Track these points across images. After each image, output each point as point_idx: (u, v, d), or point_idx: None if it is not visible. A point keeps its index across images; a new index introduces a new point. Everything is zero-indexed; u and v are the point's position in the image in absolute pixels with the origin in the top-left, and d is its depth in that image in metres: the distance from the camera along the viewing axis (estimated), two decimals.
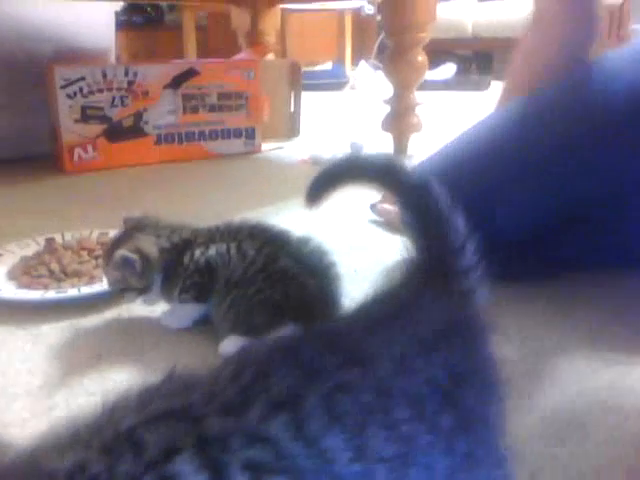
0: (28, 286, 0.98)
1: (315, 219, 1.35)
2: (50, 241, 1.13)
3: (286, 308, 0.74)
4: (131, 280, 0.81)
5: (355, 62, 4.71)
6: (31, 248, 1.11)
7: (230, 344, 0.77)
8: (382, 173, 0.52)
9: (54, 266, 1.03)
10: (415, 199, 0.51)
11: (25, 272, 1.03)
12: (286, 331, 0.73)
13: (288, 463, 0.34)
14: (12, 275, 1.02)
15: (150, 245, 0.81)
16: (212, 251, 0.79)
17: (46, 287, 0.98)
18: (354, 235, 1.25)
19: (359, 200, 1.51)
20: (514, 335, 0.82)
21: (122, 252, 0.79)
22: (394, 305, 0.48)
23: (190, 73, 1.97)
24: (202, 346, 0.81)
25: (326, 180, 0.54)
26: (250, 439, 0.34)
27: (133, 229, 0.84)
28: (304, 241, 0.78)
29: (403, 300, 0.48)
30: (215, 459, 0.33)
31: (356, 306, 0.49)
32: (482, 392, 0.43)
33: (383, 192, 0.71)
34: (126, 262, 0.79)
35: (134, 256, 0.79)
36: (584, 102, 0.88)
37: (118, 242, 0.83)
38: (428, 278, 0.50)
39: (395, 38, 1.91)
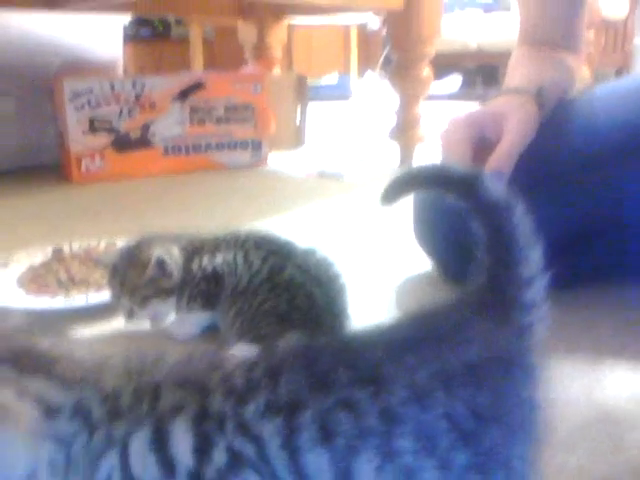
0: (36, 294, 0.99)
1: (321, 231, 1.36)
2: (58, 251, 1.14)
3: (292, 318, 0.74)
4: (162, 282, 0.80)
5: (361, 75, 4.74)
6: (39, 257, 1.11)
7: (238, 352, 0.78)
8: (464, 185, 0.48)
9: (62, 275, 1.04)
10: (492, 220, 0.47)
11: (33, 280, 1.03)
12: (292, 341, 0.73)
13: (268, 468, 0.36)
14: (20, 283, 1.03)
15: (173, 247, 0.82)
16: (219, 259, 0.80)
17: (54, 295, 0.99)
18: (361, 246, 1.26)
19: (367, 211, 1.52)
20: None
21: (158, 253, 0.79)
22: (432, 328, 0.44)
23: (197, 86, 1.99)
24: (207, 349, 0.81)
25: (406, 182, 0.52)
26: (242, 430, 0.36)
27: (141, 242, 0.84)
28: (310, 252, 0.79)
29: (443, 324, 0.44)
30: (206, 433, 0.36)
31: (391, 322, 0.46)
32: (512, 436, 0.41)
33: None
34: (161, 262, 0.79)
35: (167, 257, 0.80)
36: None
37: (135, 255, 0.83)
38: (484, 305, 0.46)
39: (401, 52, 1.92)
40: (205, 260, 0.80)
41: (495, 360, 0.42)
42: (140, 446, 0.36)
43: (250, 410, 0.36)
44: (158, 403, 0.37)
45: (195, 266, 0.80)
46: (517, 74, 0.97)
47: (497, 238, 0.47)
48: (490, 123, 0.85)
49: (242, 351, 0.77)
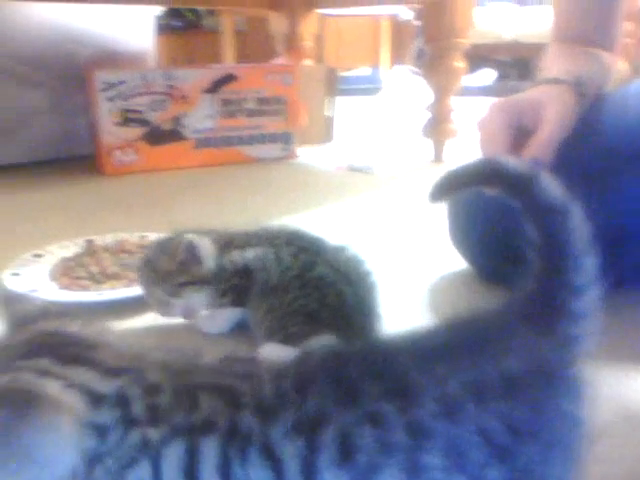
0: (68, 287, 1.00)
1: (351, 227, 1.35)
2: (90, 243, 1.14)
3: (322, 317, 0.73)
4: (196, 268, 0.80)
5: (392, 67, 4.70)
6: (71, 250, 1.12)
7: (267, 351, 0.77)
8: (520, 184, 0.45)
9: (93, 268, 1.05)
10: (547, 223, 0.45)
11: (65, 273, 1.04)
12: (323, 340, 0.73)
13: None
14: (53, 276, 1.04)
15: (203, 238, 0.82)
16: (250, 254, 0.79)
17: (85, 288, 0.99)
18: (393, 243, 1.24)
19: (398, 206, 1.50)
20: None
21: (190, 236, 0.79)
22: (469, 336, 0.42)
23: (228, 78, 1.98)
24: (240, 351, 0.81)
25: (457, 178, 0.48)
26: (265, 451, 0.35)
27: (172, 236, 0.84)
28: (340, 249, 0.78)
29: (483, 332, 0.42)
30: (231, 456, 0.35)
31: (426, 328, 0.44)
32: (550, 454, 0.39)
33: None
34: (192, 247, 0.79)
35: (199, 241, 0.79)
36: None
37: (166, 244, 0.83)
38: (530, 313, 0.43)
39: (434, 44, 1.90)
40: (236, 255, 0.79)
41: (536, 372, 0.39)
42: (173, 460, 0.35)
43: (278, 430, 0.35)
44: (194, 412, 0.36)
45: (226, 260, 0.80)
46: (553, 68, 0.94)
47: (551, 242, 0.44)
48: (528, 111, 0.83)
49: (271, 351, 0.77)
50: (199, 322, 0.86)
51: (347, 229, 1.32)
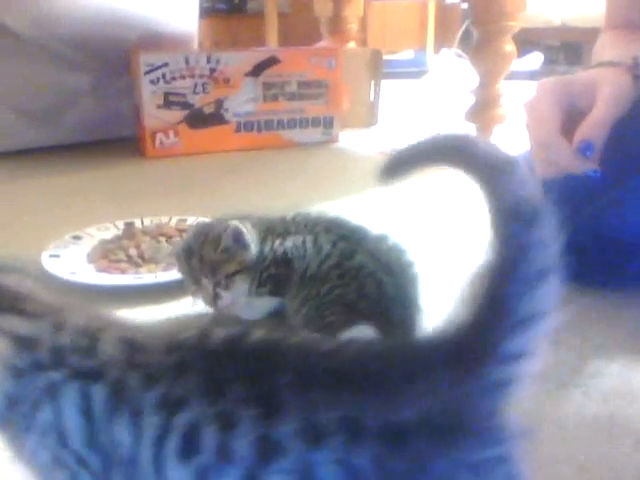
0: (106, 270, 0.99)
1: (393, 214, 1.32)
2: (129, 226, 1.14)
3: (360, 307, 0.71)
4: (242, 255, 0.77)
5: (437, 50, 4.62)
6: (110, 232, 1.12)
7: None
8: (486, 177, 0.37)
9: (132, 251, 1.05)
10: (505, 231, 0.36)
11: (103, 256, 1.04)
12: (359, 331, 0.71)
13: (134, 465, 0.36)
14: (91, 258, 1.04)
15: (245, 223, 0.80)
16: (289, 242, 0.77)
17: (123, 272, 0.99)
18: (433, 232, 1.21)
19: (442, 194, 1.47)
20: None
21: (235, 222, 0.77)
22: (374, 367, 0.36)
23: (271, 61, 1.96)
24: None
25: (413, 155, 0.42)
26: (134, 415, 0.35)
27: (212, 222, 0.83)
28: (382, 238, 0.75)
29: (391, 367, 0.35)
30: (113, 405, 0.36)
31: (333, 343, 0.38)
32: None
33: None
34: (237, 233, 0.77)
35: (243, 227, 0.77)
36: None
37: (209, 230, 0.81)
38: (458, 350, 0.36)
39: (483, 27, 1.84)
40: (277, 243, 0.77)
41: (432, 423, 0.34)
42: (71, 402, 0.36)
43: (149, 399, 0.35)
44: (92, 357, 0.37)
45: (267, 248, 0.78)
46: (607, 53, 0.90)
47: (502, 258, 0.36)
48: (581, 91, 0.79)
49: None
50: (237, 309, 0.85)
51: (387, 216, 1.29)
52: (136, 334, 0.39)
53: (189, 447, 0.34)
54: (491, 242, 0.37)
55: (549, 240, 0.35)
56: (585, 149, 0.74)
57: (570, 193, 0.84)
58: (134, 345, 0.37)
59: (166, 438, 0.34)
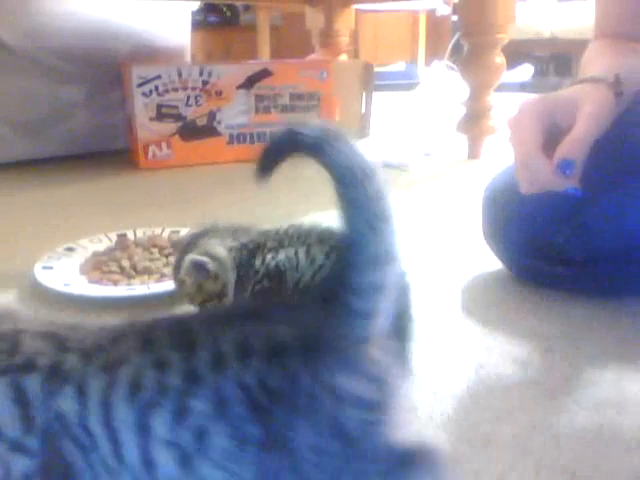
0: (99, 282, 0.99)
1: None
2: (122, 237, 1.14)
3: None
4: (207, 285, 0.79)
5: (428, 63, 4.65)
6: (103, 244, 1.12)
7: None
8: (315, 151, 0.43)
9: (125, 262, 1.05)
10: (343, 188, 0.42)
11: (96, 267, 1.04)
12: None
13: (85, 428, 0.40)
14: (84, 270, 1.04)
15: (215, 246, 0.80)
16: (282, 255, 0.77)
17: (116, 283, 0.99)
18: (427, 241, 1.22)
19: (433, 204, 1.48)
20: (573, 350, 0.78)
21: (191, 256, 0.78)
22: (250, 308, 0.45)
23: (263, 73, 1.97)
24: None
25: (273, 152, 0.46)
26: (78, 387, 0.41)
27: (198, 236, 0.83)
28: None
29: (260, 307, 0.45)
30: (52, 388, 0.41)
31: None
32: (306, 423, 0.40)
33: None
34: (197, 265, 0.78)
35: (204, 258, 0.78)
36: None
37: (186, 250, 0.82)
38: (324, 286, 0.45)
39: (472, 39, 1.86)
40: (268, 257, 0.78)
41: (301, 344, 0.40)
42: (3, 396, 0.40)
43: (91, 369, 0.40)
44: (16, 354, 0.42)
45: (258, 262, 0.78)
46: (594, 64, 0.91)
47: (347, 211, 0.43)
48: (562, 109, 0.80)
49: None
50: None
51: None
52: (57, 329, 0.44)
53: (134, 390, 0.39)
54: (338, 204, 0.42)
55: (382, 194, 0.42)
56: (565, 167, 0.76)
57: (557, 205, 0.85)
58: (58, 337, 0.43)
59: (112, 390, 0.40)
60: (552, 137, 0.79)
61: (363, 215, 0.42)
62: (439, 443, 0.62)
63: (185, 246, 0.83)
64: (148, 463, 0.39)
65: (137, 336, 0.42)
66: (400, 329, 0.70)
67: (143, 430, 0.39)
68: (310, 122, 0.42)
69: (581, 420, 0.66)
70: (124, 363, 0.40)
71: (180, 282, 0.81)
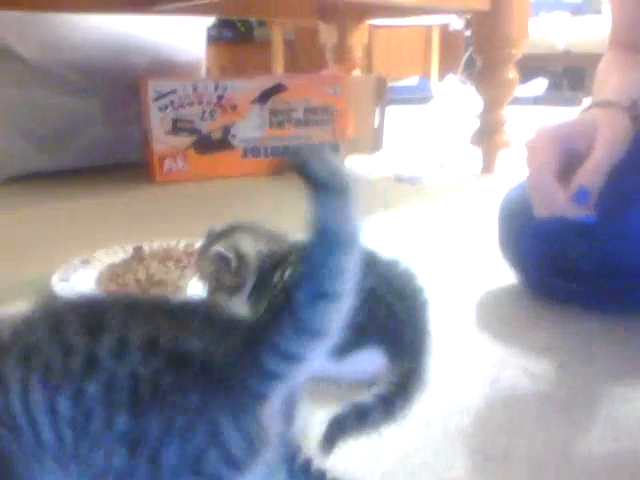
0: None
1: (399, 238, 1.33)
2: (138, 249, 1.15)
3: (370, 330, 0.71)
4: (224, 278, 0.79)
5: (441, 77, 4.66)
6: (119, 255, 1.13)
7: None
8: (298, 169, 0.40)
9: (141, 275, 1.05)
10: (312, 247, 0.39)
11: (112, 279, 1.05)
12: (370, 354, 0.71)
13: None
14: (100, 282, 1.05)
15: (247, 245, 0.81)
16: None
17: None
18: (440, 256, 1.22)
19: (447, 218, 1.48)
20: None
21: (217, 249, 0.79)
22: (170, 307, 0.45)
23: (277, 88, 1.99)
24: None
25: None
26: (2, 380, 0.42)
27: (235, 228, 0.84)
28: (392, 263, 0.76)
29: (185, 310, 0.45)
30: None
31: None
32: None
33: None
34: (221, 259, 0.79)
35: (229, 254, 0.79)
36: None
37: (217, 237, 0.83)
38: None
39: (486, 54, 1.87)
40: (287, 273, 0.78)
41: (205, 366, 0.41)
42: None
43: (10, 362, 0.42)
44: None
45: (277, 277, 0.79)
46: (609, 82, 0.91)
47: (296, 274, 0.40)
48: (579, 135, 0.81)
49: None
50: None
51: (394, 241, 1.30)
52: None
53: (46, 376, 0.41)
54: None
55: (337, 270, 0.38)
56: (581, 197, 0.77)
57: (573, 221, 0.85)
58: None
59: (29, 376, 0.41)
60: (568, 162, 0.79)
61: (310, 284, 0.39)
62: (453, 456, 0.62)
63: (217, 234, 0.83)
64: (61, 441, 0.41)
65: (48, 324, 0.43)
66: (418, 344, 0.71)
67: (53, 411, 0.41)
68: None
69: (596, 435, 0.66)
70: (35, 353, 0.41)
71: (199, 266, 0.82)
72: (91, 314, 0.44)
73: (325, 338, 0.40)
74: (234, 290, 0.80)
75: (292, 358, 0.40)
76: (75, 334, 0.42)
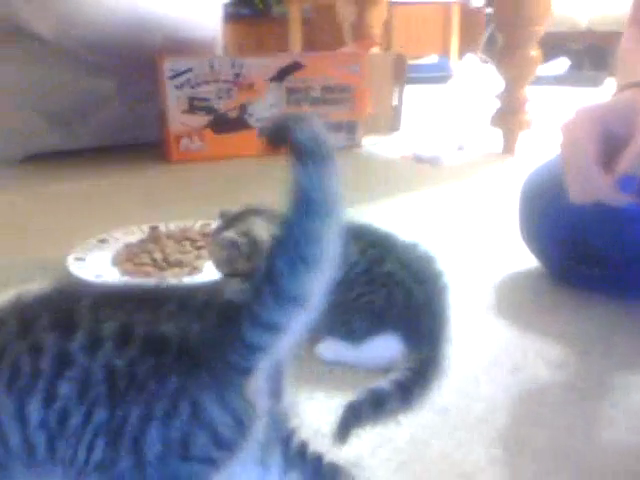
0: (131, 273, 1.00)
1: (417, 219, 1.31)
2: (154, 229, 1.15)
3: (389, 315, 0.70)
4: (237, 263, 0.79)
5: (461, 55, 4.59)
6: (136, 235, 1.13)
7: (327, 346, 0.75)
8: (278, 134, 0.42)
9: (157, 255, 1.05)
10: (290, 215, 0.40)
11: (128, 259, 1.05)
12: (387, 339, 0.70)
13: None
14: (116, 261, 1.05)
15: (261, 229, 0.80)
16: None
17: (148, 276, 0.99)
18: (458, 239, 1.20)
19: (467, 199, 1.46)
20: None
21: (229, 234, 0.78)
22: (145, 297, 0.44)
23: (295, 66, 1.96)
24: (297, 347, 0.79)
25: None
26: None
27: (250, 212, 0.83)
28: (412, 246, 0.75)
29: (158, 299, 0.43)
30: None
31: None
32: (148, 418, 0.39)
33: None
34: (232, 244, 0.78)
35: (241, 239, 0.78)
36: None
37: (232, 221, 0.82)
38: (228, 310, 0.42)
39: (508, 32, 1.83)
40: None
41: (182, 349, 0.40)
42: None
43: None
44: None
45: None
46: (634, 64, 0.88)
47: (274, 244, 0.40)
48: (618, 117, 0.77)
49: (328, 347, 0.75)
50: None
51: (413, 223, 1.28)
52: None
53: (13, 377, 0.40)
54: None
55: (317, 237, 0.38)
56: (626, 184, 0.73)
57: (597, 206, 0.83)
58: None
59: None
60: (608, 146, 0.76)
61: (290, 250, 0.39)
62: (472, 446, 0.61)
63: (231, 218, 0.82)
64: (29, 447, 0.40)
65: (17, 320, 0.42)
66: (436, 329, 0.70)
67: (21, 416, 0.39)
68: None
69: (619, 424, 0.65)
70: (3, 353, 0.40)
71: (211, 252, 0.82)
72: (61, 308, 0.42)
73: (306, 306, 0.39)
74: (247, 274, 0.79)
75: (273, 328, 0.39)
76: (44, 331, 0.40)
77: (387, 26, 3.34)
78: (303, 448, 0.49)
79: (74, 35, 1.83)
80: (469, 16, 4.90)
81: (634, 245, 0.87)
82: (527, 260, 1.01)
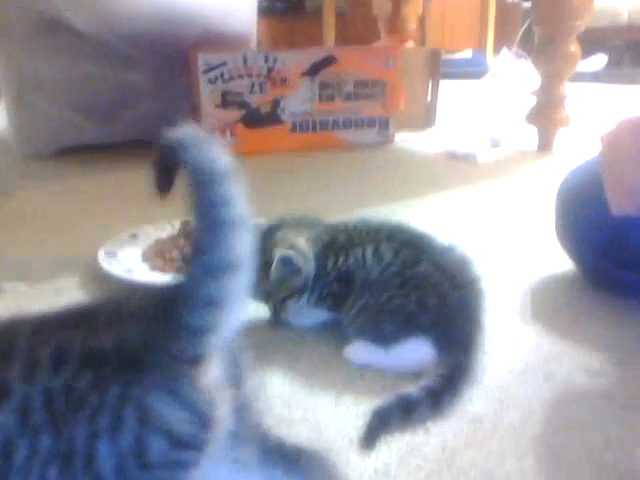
0: (161, 269, 1.00)
1: (451, 218, 1.28)
2: (186, 225, 1.14)
3: (421, 319, 0.69)
4: (293, 280, 0.77)
5: (497, 50, 4.52)
6: (166, 231, 1.13)
7: (356, 349, 0.74)
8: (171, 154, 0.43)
9: (187, 250, 1.05)
10: (191, 189, 0.41)
11: (159, 254, 1.04)
12: (418, 344, 0.68)
13: None
14: (146, 257, 1.05)
15: (299, 241, 0.78)
16: (352, 259, 0.75)
17: (179, 271, 0.99)
18: (493, 240, 1.18)
19: (502, 197, 1.43)
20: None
21: (280, 252, 0.76)
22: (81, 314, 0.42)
23: (328, 61, 1.95)
24: (325, 348, 0.78)
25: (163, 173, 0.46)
26: None
27: (269, 233, 0.81)
28: (448, 248, 0.73)
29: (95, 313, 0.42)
30: None
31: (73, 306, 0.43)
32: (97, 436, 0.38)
33: None
34: (286, 261, 0.76)
35: (291, 252, 0.76)
36: None
37: (265, 240, 0.80)
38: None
39: (546, 26, 1.78)
40: (341, 260, 0.75)
41: (119, 355, 0.38)
42: None
43: None
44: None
45: (330, 263, 0.76)
46: None
47: (194, 214, 0.40)
48: None
49: (356, 350, 0.73)
50: (293, 319, 0.83)
51: (443, 221, 1.26)
52: None
53: None
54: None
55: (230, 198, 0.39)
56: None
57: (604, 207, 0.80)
58: None
59: None
60: None
61: (204, 220, 0.39)
62: (503, 456, 0.59)
63: (262, 242, 0.80)
64: None
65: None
66: (469, 336, 0.68)
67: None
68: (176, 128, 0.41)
69: None
70: None
71: (263, 280, 0.77)
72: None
73: (237, 271, 0.39)
74: (302, 290, 0.78)
75: (211, 303, 0.38)
76: None
77: (422, 20, 3.30)
78: (280, 442, 0.47)
79: (110, 28, 1.84)
80: (505, 10, 4.82)
81: None
82: (564, 263, 0.99)
